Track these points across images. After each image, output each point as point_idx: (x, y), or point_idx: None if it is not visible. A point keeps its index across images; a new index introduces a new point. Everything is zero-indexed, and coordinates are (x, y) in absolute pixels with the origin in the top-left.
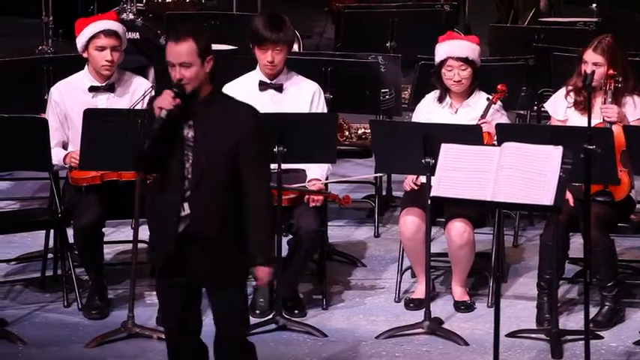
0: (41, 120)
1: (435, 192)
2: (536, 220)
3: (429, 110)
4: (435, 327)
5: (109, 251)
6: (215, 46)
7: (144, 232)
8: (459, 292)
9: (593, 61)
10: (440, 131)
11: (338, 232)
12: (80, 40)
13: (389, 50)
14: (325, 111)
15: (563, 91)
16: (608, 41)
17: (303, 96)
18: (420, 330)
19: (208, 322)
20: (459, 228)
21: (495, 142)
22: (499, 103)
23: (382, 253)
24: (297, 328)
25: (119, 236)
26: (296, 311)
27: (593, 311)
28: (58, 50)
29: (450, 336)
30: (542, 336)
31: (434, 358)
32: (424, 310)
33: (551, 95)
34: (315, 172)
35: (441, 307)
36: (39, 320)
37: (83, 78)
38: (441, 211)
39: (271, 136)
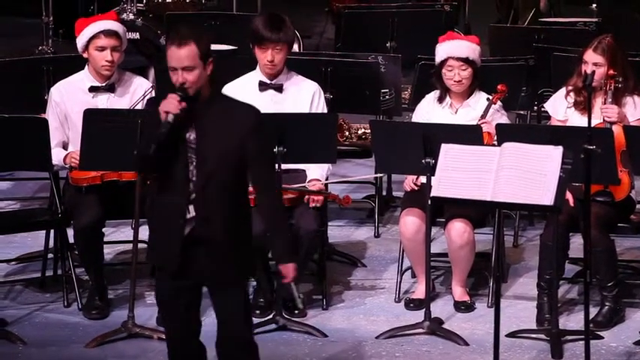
0: (41, 120)
1: (435, 192)
2: (536, 220)
3: (429, 110)
4: (435, 327)
5: (109, 251)
6: (215, 46)
7: (144, 232)
8: (459, 292)
9: (593, 61)
10: (440, 131)
11: (338, 232)
12: (80, 41)
13: (389, 50)
14: (325, 111)
15: (563, 91)
16: (608, 41)
17: (303, 96)
18: (420, 330)
19: (208, 322)
20: (459, 228)
21: (495, 142)
22: (499, 103)
23: (382, 253)
24: (297, 328)
25: (119, 236)
26: (296, 311)
27: (593, 311)
28: (58, 50)
29: (450, 336)
30: (542, 336)
31: (434, 358)
32: (424, 310)
33: (551, 95)
34: (315, 172)
35: (441, 307)
36: (39, 320)
37: (83, 78)
38: (441, 211)
39: (271, 137)
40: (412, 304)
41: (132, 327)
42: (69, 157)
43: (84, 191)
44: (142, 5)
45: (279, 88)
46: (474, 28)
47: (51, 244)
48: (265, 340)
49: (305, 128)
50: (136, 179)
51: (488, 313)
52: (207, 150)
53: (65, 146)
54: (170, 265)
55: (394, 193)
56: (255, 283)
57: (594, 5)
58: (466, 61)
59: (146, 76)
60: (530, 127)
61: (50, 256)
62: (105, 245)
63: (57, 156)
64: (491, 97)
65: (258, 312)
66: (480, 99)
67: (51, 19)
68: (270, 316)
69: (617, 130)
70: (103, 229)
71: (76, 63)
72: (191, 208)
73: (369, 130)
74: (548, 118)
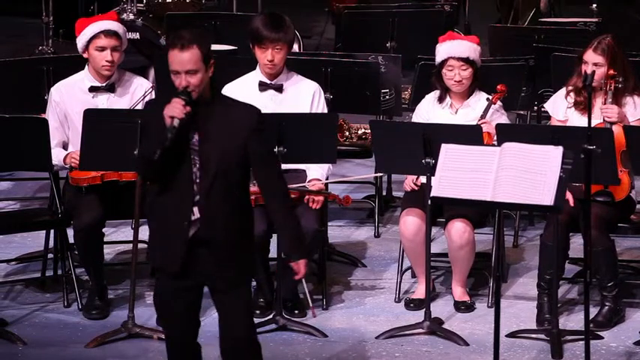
0: (41, 120)
1: (435, 192)
2: (536, 220)
3: (429, 110)
4: (435, 327)
5: (109, 251)
6: (215, 46)
7: (144, 232)
8: (459, 292)
9: (593, 61)
10: (440, 131)
11: (338, 232)
12: (80, 41)
13: (389, 50)
14: (325, 111)
15: (563, 91)
16: (608, 41)
17: (303, 96)
18: (420, 330)
19: (208, 322)
20: (459, 228)
21: (495, 142)
22: (499, 103)
23: (382, 254)
24: (297, 328)
25: (119, 236)
26: (296, 311)
27: (593, 311)
28: (58, 50)
29: (450, 336)
30: (542, 336)
31: (434, 358)
32: (424, 310)
33: (551, 95)
34: (316, 172)
35: (441, 307)
36: (39, 320)
37: (83, 78)
38: (441, 211)
39: (271, 137)
40: (412, 304)
41: (132, 327)
42: (69, 157)
43: (84, 191)
44: (142, 5)
45: (279, 88)
46: (474, 28)
47: (51, 244)
48: (265, 340)
49: (305, 128)
50: (136, 179)
51: (488, 313)
52: (210, 151)
53: (65, 146)
54: (173, 267)
55: (394, 193)
56: (255, 283)
57: (594, 5)
58: (467, 61)
59: (146, 76)
60: (530, 127)
61: (50, 256)
62: (105, 245)
63: (57, 156)
64: (490, 97)
65: (258, 312)
66: (480, 99)
67: (51, 19)
68: (270, 316)
69: (617, 130)
70: (103, 229)
71: (76, 63)
72: (195, 209)
73: (369, 130)
74: (548, 118)
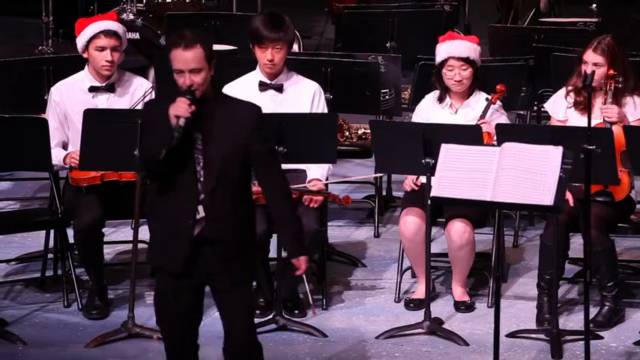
0: (41, 120)
1: (434, 192)
2: (536, 220)
3: (429, 110)
4: (435, 327)
5: (109, 251)
6: (215, 46)
7: (144, 232)
8: (459, 292)
9: (593, 61)
10: (440, 131)
11: (338, 232)
12: (80, 41)
13: (389, 50)
14: (325, 111)
15: (563, 91)
16: (608, 41)
17: (303, 96)
18: (420, 330)
19: (208, 322)
20: (459, 228)
21: (495, 142)
22: (498, 103)
23: (382, 253)
24: (297, 328)
25: (119, 236)
26: (296, 311)
27: (593, 311)
28: (58, 50)
29: (450, 336)
30: (542, 336)
31: (434, 358)
32: (424, 310)
33: (551, 95)
34: (316, 172)
35: (441, 307)
36: (39, 320)
37: (83, 78)
38: (440, 211)
39: (271, 137)
40: (412, 304)
41: (132, 327)
42: (69, 157)
43: (84, 191)
44: (141, 5)
45: (279, 88)
46: (474, 28)
47: (51, 244)
48: (265, 340)
49: (305, 128)
50: (136, 179)
51: (488, 313)
52: (213, 150)
53: (65, 146)
54: (175, 266)
55: (394, 193)
56: (255, 283)
57: (594, 5)
58: (467, 60)
59: (146, 76)
60: (530, 127)
61: (50, 256)
62: (105, 245)
63: (57, 156)
64: (490, 97)
65: (258, 312)
66: (480, 99)
67: (51, 19)
68: (270, 316)
69: (617, 130)
70: (103, 229)
71: (76, 63)
72: (200, 208)
73: (369, 130)
74: (548, 118)
